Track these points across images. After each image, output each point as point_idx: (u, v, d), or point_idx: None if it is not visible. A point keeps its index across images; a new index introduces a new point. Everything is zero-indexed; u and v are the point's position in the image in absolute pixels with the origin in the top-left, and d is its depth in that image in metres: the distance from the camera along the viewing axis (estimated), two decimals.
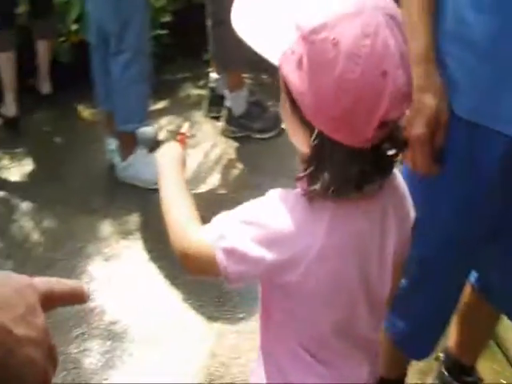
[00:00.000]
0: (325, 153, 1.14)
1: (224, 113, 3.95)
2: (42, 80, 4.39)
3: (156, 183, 3.36)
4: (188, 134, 1.62)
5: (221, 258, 1.21)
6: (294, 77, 1.10)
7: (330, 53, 1.05)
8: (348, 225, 1.22)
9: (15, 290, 0.69)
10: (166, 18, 4.68)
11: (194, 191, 3.50)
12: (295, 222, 1.18)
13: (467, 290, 2.00)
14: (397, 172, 1.32)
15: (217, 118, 4.05)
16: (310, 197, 1.18)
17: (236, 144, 3.89)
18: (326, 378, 1.34)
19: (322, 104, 1.09)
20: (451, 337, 2.24)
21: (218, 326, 2.76)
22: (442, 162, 1.63)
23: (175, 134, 1.61)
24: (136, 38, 3.37)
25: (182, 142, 1.56)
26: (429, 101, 1.57)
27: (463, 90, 1.59)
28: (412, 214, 1.37)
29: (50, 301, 0.75)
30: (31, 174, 3.81)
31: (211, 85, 4.07)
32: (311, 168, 1.16)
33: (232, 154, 3.81)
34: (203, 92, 4.32)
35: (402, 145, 1.19)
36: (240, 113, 3.89)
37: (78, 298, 0.78)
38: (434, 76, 1.59)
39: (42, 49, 4.31)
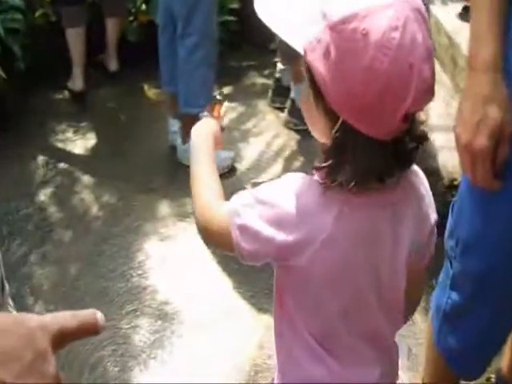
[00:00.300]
0: (347, 144, 1.14)
1: (288, 104, 3.95)
2: (109, 57, 4.46)
3: (218, 168, 3.47)
4: (224, 104, 1.63)
5: (235, 234, 1.23)
6: (319, 65, 1.10)
7: (359, 43, 1.06)
8: (359, 213, 1.22)
9: (23, 337, 0.66)
10: (235, 5, 4.69)
11: (254, 180, 3.53)
12: (306, 206, 1.20)
13: None
14: (419, 171, 1.33)
15: (281, 109, 4.06)
16: (327, 186, 1.18)
17: (298, 136, 3.88)
18: (335, 371, 1.35)
19: (348, 93, 1.10)
20: (505, 358, 2.19)
21: (267, 318, 2.75)
22: (504, 177, 1.57)
23: (212, 105, 1.62)
24: (203, 22, 3.39)
25: (217, 115, 1.58)
26: (493, 112, 1.50)
27: None
28: (433, 216, 1.36)
29: (63, 339, 0.70)
30: (94, 149, 3.87)
31: (277, 75, 4.08)
32: (332, 159, 1.16)
33: (293, 146, 3.81)
34: (268, 81, 4.33)
35: (421, 138, 1.19)
36: None
37: (90, 330, 0.74)
38: (501, 86, 1.51)
39: (111, 26, 4.37)
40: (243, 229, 1.23)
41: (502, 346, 2.01)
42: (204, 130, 1.50)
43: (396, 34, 1.06)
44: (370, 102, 1.09)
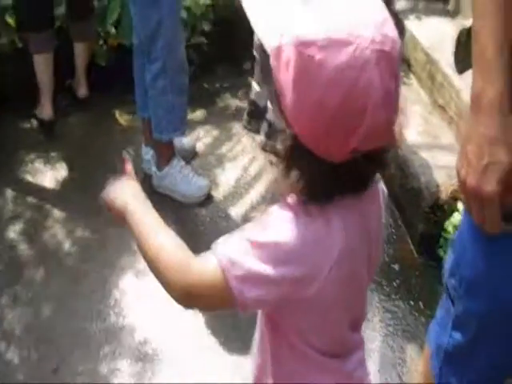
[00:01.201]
0: (299, 157, 1.13)
1: (264, 126, 3.85)
2: (78, 83, 4.33)
3: (194, 197, 3.39)
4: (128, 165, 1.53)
5: (235, 285, 1.14)
6: (280, 73, 1.09)
7: (314, 70, 1.04)
8: (354, 224, 1.20)
9: None
10: (206, 26, 4.60)
11: (230, 208, 3.42)
12: (305, 234, 1.14)
13: None
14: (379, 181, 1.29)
15: (256, 131, 3.94)
16: (305, 206, 1.15)
17: (275, 159, 3.77)
18: (341, 370, 1.34)
19: (299, 112, 1.08)
20: None
21: None
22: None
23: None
24: (165, 49, 3.22)
25: (129, 174, 1.50)
26: (503, 156, 1.39)
27: None
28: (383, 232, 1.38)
29: None
30: (65, 180, 3.74)
31: (252, 97, 3.97)
32: (285, 171, 1.16)
33: (271, 170, 3.70)
34: (242, 103, 4.23)
35: (380, 166, 1.17)
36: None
37: None
38: (508, 127, 1.40)
39: (80, 51, 4.25)
40: (245, 278, 1.13)
41: None
42: (127, 191, 1.44)
43: (351, 74, 1.02)
44: (317, 131, 1.08)
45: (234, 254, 1.15)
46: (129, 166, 1.50)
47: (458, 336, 1.70)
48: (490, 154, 1.39)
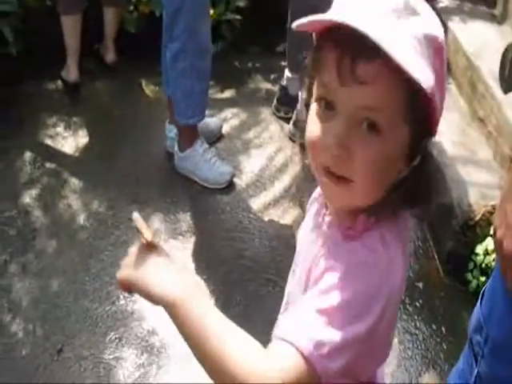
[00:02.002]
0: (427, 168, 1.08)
1: (294, 115, 3.73)
2: (107, 48, 4.24)
3: (216, 183, 3.29)
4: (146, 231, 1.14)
5: (321, 366, 0.98)
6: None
7: None
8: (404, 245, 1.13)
9: None
10: (241, 3, 4.47)
11: (252, 198, 3.32)
12: (374, 270, 1.04)
13: None
14: None
15: (285, 119, 3.83)
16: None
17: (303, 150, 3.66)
18: None
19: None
20: None
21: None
22: None
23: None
24: (185, 30, 3.09)
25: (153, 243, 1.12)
26: None
27: None
28: None
29: None
30: (85, 148, 3.65)
31: (284, 83, 3.85)
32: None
33: (297, 163, 3.58)
34: (274, 87, 4.10)
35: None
36: None
37: None
38: None
39: (110, 16, 4.16)
40: (331, 352, 0.98)
41: None
42: (173, 277, 1.08)
43: None
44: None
45: (312, 333, 0.99)
46: (147, 233, 1.14)
47: None
48: None
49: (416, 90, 0.99)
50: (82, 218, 3.17)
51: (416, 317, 2.70)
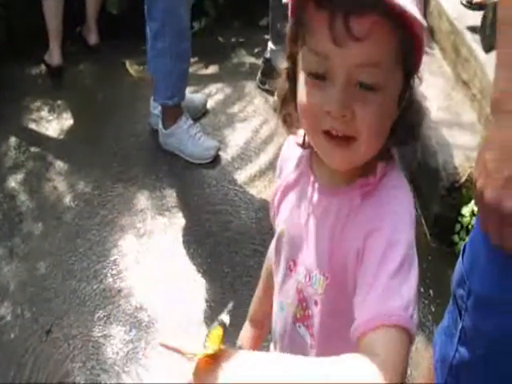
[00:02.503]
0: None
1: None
2: (89, 30, 4.22)
3: (201, 158, 3.27)
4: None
5: (413, 324, 0.98)
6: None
7: None
8: None
9: None
10: None
11: (238, 171, 3.31)
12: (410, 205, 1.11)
13: None
14: None
15: (269, 92, 3.80)
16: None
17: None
18: None
19: None
20: None
21: None
22: None
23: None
24: (164, 10, 3.07)
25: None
26: None
27: None
28: None
29: None
30: (70, 131, 3.63)
31: (267, 55, 3.81)
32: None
33: (283, 133, 3.53)
34: (257, 61, 4.07)
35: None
36: None
37: None
38: None
39: None
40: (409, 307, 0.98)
41: None
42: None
43: None
44: None
45: (397, 301, 0.97)
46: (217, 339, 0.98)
47: (464, 352, 1.56)
48: None
49: (409, 36, 0.98)
50: (67, 200, 3.16)
51: None
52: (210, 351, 0.90)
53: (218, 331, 0.97)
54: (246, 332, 1.54)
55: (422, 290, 2.63)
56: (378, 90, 0.99)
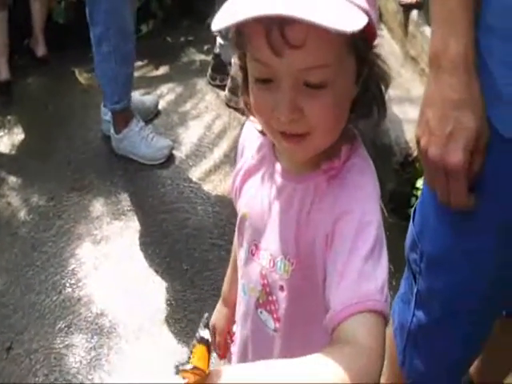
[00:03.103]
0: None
1: (228, 81, 3.67)
2: (36, 41, 4.17)
3: (154, 159, 3.23)
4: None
5: (387, 307, 0.95)
6: None
7: None
8: None
9: None
10: None
11: (192, 168, 3.27)
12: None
13: None
14: None
15: (220, 87, 3.77)
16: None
17: (240, 116, 3.61)
18: None
19: None
20: (474, 364, 1.98)
21: None
22: (478, 191, 1.30)
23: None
24: (107, 12, 3.02)
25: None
26: (467, 120, 1.22)
27: (511, 102, 1.23)
28: None
29: None
30: (22, 145, 3.57)
31: (216, 50, 3.78)
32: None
33: (236, 126, 3.52)
34: (207, 58, 4.04)
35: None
36: None
37: None
38: (474, 88, 1.22)
39: (37, 9, 4.07)
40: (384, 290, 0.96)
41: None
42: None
43: None
44: None
45: (372, 285, 0.95)
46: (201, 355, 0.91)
47: (421, 315, 1.55)
48: (456, 119, 1.22)
49: None
50: (22, 214, 3.10)
51: None
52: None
53: (201, 350, 0.90)
54: (220, 312, 1.52)
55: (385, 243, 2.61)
56: (328, 86, 0.96)
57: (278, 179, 1.14)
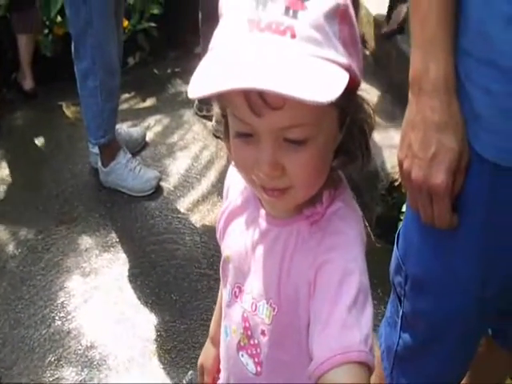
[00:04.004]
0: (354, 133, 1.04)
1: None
2: (24, 75, 4.18)
3: (142, 191, 3.24)
4: None
5: (371, 357, 0.95)
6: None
7: None
8: None
9: None
10: (156, 10, 4.45)
11: (180, 199, 3.28)
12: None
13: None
14: None
15: (208, 118, 3.79)
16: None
17: None
18: None
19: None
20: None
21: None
22: (460, 211, 1.32)
23: None
24: (94, 48, 3.04)
25: None
26: (449, 142, 1.24)
27: (489, 125, 1.24)
28: None
29: None
30: (10, 179, 3.57)
31: None
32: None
33: (223, 156, 3.54)
34: None
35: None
36: None
37: None
38: (455, 110, 1.24)
39: (24, 43, 4.09)
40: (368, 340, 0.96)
41: None
42: None
43: None
44: None
45: (356, 336, 0.94)
46: None
47: (407, 338, 1.56)
48: (438, 141, 1.23)
49: None
50: (10, 248, 3.09)
51: None
52: None
53: None
54: (207, 351, 1.50)
55: (370, 290, 2.61)
56: (309, 141, 0.96)
57: (262, 223, 1.13)
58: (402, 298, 1.55)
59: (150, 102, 4.11)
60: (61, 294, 2.83)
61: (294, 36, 0.89)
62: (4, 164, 3.68)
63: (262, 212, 1.14)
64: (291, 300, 1.07)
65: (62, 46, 4.22)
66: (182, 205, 3.24)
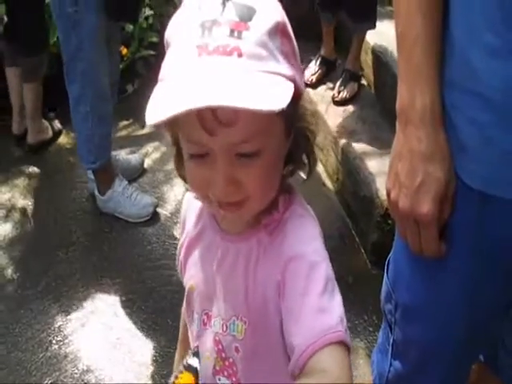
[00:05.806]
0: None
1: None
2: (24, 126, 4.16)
3: (139, 217, 3.26)
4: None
5: (347, 337, 0.99)
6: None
7: None
8: None
9: None
10: (154, 39, 4.49)
11: (177, 225, 3.29)
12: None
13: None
14: None
15: None
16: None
17: None
18: None
19: None
20: None
21: None
22: (448, 240, 1.34)
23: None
24: (85, 74, 3.07)
25: None
26: (436, 172, 1.25)
27: (474, 154, 1.26)
28: None
29: None
30: (5, 206, 3.58)
31: None
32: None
33: None
34: None
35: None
36: None
37: None
38: (441, 140, 1.26)
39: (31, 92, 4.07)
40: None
41: None
42: None
43: None
44: None
45: (330, 318, 0.98)
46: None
47: (397, 365, 1.57)
48: (424, 171, 1.25)
49: None
50: (8, 272, 3.11)
51: (348, 311, 2.68)
52: None
53: (187, 377, 0.93)
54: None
55: (365, 317, 2.63)
56: (260, 153, 0.99)
57: (222, 244, 1.15)
58: (393, 326, 1.56)
59: (148, 129, 4.12)
60: (58, 318, 2.85)
61: (240, 55, 0.94)
62: (2, 188, 3.69)
63: (220, 233, 1.16)
64: (261, 310, 1.09)
65: (58, 68, 4.20)
66: (179, 231, 3.25)
